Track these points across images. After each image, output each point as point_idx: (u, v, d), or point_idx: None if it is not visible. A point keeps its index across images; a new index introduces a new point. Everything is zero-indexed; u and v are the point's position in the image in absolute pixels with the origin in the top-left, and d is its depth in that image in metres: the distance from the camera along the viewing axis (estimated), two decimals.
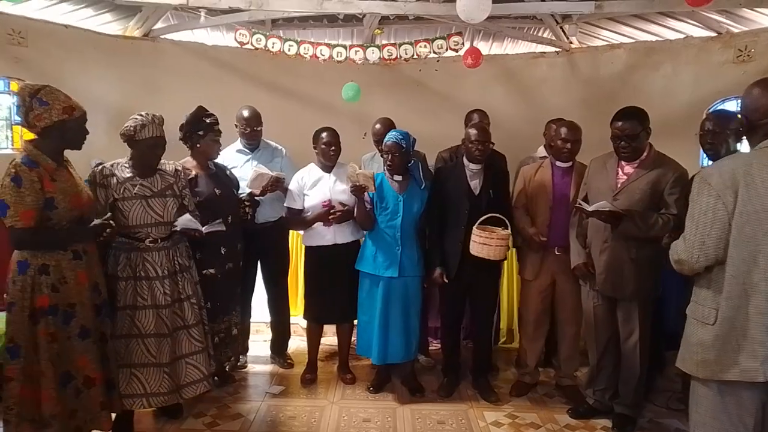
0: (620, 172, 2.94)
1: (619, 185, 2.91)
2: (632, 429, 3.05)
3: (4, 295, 3.12)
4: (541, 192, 3.31)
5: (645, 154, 2.89)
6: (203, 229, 2.81)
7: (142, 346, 2.73)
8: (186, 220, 2.77)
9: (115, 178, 2.72)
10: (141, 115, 2.74)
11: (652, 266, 2.86)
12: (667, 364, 3.60)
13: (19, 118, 2.40)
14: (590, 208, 2.82)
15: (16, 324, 2.35)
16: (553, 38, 7.24)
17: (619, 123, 2.86)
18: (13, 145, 6.49)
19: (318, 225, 3.42)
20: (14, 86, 6.46)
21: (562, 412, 3.26)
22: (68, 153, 2.54)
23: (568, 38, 7.13)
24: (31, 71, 6.17)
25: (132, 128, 2.71)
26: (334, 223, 3.37)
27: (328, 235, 3.42)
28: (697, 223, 1.90)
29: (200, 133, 3.14)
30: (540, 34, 7.40)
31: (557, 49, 7.36)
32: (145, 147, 2.75)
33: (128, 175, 2.76)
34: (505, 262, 3.67)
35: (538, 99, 7.31)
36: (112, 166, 2.76)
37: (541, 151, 4.00)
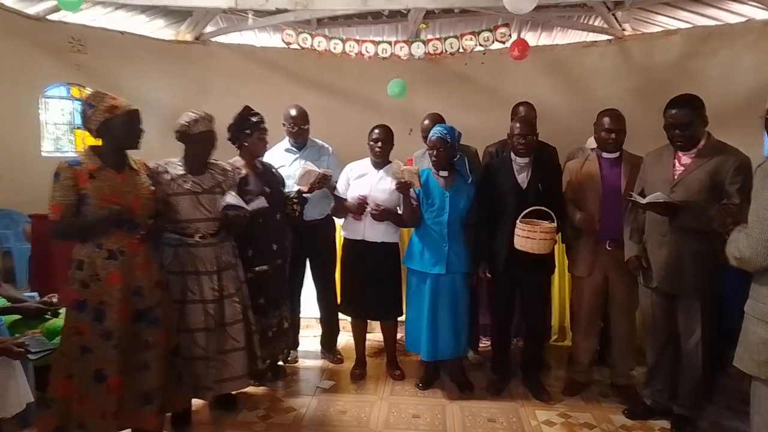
0: (677, 164, 2.82)
1: (676, 177, 2.79)
2: (692, 430, 2.94)
3: None
4: (590, 185, 3.23)
5: (702, 143, 2.76)
6: (248, 206, 2.85)
7: (190, 340, 2.82)
8: (232, 198, 2.80)
9: (168, 174, 2.83)
10: (194, 112, 2.87)
11: (715, 261, 2.72)
12: (729, 363, 3.44)
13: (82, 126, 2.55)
14: (644, 201, 2.72)
15: (66, 316, 2.52)
16: (605, 26, 7.03)
17: (673, 111, 2.75)
18: (75, 147, 6.82)
19: (352, 217, 3.47)
20: (75, 92, 6.80)
21: (618, 412, 3.17)
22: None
23: (620, 25, 6.91)
24: (91, 77, 6.48)
25: (186, 123, 2.84)
26: (365, 219, 3.40)
27: (359, 230, 3.46)
28: (762, 220, 1.81)
29: (247, 132, 3.21)
30: (591, 22, 7.20)
31: (609, 37, 7.14)
32: (198, 141, 2.86)
33: (180, 172, 2.86)
34: (557, 257, 3.60)
35: (589, 90, 7.13)
36: (165, 163, 2.87)
37: (591, 143, 3.89)
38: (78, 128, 6.82)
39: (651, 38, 6.99)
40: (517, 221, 3.05)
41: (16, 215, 5.81)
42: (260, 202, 2.91)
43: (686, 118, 2.70)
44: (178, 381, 2.73)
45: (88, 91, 2.64)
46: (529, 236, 3.01)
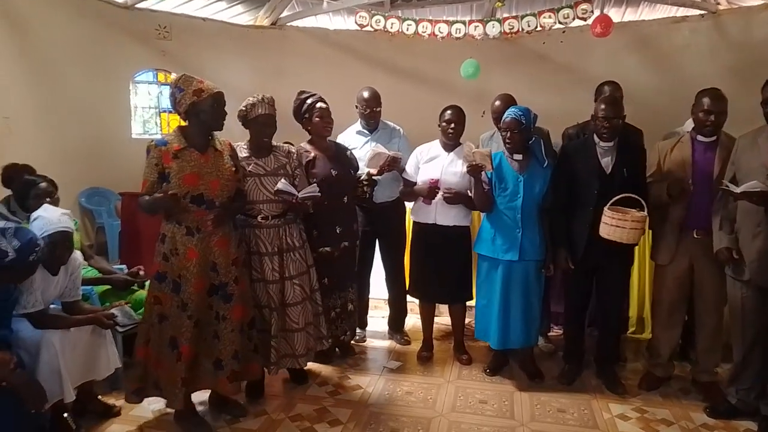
0: None
1: None
2: None
3: None
4: (680, 169, 3.03)
5: None
6: (299, 194, 2.87)
7: (260, 315, 2.94)
8: (282, 184, 2.85)
9: None
10: (253, 96, 2.93)
11: None
12: None
13: (172, 108, 2.71)
14: (739, 190, 2.53)
15: (149, 285, 2.72)
16: None
17: None
18: (160, 130, 7.20)
19: (422, 201, 3.44)
20: (161, 77, 7.15)
21: (699, 410, 3.01)
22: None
23: None
24: (175, 63, 6.78)
25: (245, 108, 2.92)
26: (436, 203, 3.35)
27: (430, 213, 3.42)
28: None
29: (306, 115, 3.27)
30: None
31: (701, 12, 6.65)
32: (257, 125, 2.93)
33: (245, 155, 2.95)
34: (638, 247, 3.41)
35: (678, 69, 6.69)
36: (234, 147, 2.94)
37: (689, 125, 3.65)
38: (164, 112, 7.19)
39: (749, 12, 6.44)
40: (605, 208, 2.90)
41: (108, 193, 6.24)
42: (311, 189, 2.91)
43: None
44: (253, 352, 2.86)
45: (174, 75, 2.75)
46: (618, 225, 2.85)
